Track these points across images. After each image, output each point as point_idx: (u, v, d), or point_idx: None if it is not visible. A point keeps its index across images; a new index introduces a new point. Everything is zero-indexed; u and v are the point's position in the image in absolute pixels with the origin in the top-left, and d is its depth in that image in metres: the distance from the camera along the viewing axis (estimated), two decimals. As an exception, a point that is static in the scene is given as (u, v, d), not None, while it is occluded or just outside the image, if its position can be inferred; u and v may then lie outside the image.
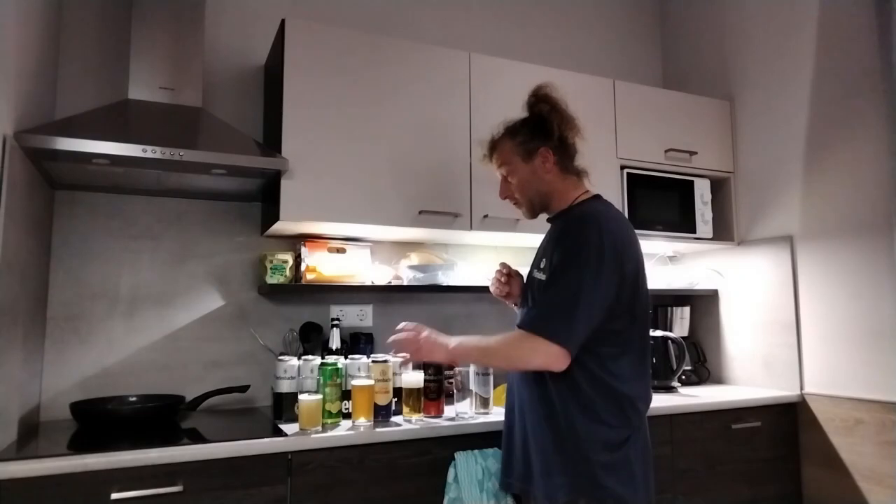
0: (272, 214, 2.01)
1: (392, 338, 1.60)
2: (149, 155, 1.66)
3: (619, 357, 1.40)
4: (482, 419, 1.88)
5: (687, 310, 2.84)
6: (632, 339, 1.43)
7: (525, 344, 1.36)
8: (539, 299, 1.43)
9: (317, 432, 1.69)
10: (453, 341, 1.51)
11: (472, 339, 1.50)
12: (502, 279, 1.75)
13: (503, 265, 1.78)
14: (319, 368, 1.81)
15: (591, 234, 1.38)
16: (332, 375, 1.79)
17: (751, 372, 2.62)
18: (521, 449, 1.50)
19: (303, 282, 2.11)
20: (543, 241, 1.60)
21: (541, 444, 1.43)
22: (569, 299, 1.34)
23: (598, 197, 1.56)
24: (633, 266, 1.43)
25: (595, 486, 1.34)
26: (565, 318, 1.33)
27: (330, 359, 1.87)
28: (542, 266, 1.48)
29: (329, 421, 1.77)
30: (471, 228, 2.20)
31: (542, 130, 1.53)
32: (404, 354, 1.61)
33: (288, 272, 2.14)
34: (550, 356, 1.33)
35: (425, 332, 1.57)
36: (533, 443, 1.45)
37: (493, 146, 1.62)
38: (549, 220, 1.61)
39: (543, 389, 1.43)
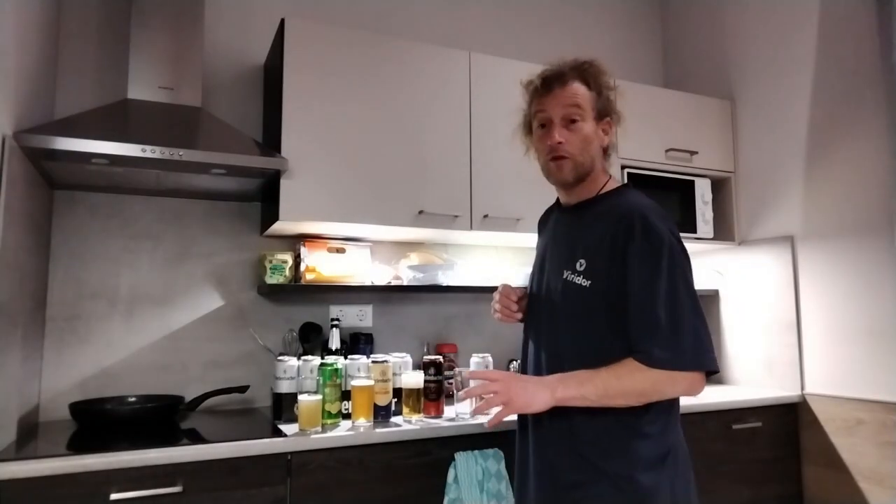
0: (272, 214, 2.01)
1: (468, 391, 1.32)
2: (148, 155, 1.66)
3: None
4: (482, 419, 1.88)
5: (687, 310, 2.83)
6: None
7: (661, 380, 1.17)
8: (646, 327, 1.19)
9: (316, 433, 1.68)
10: (558, 389, 1.21)
11: (581, 381, 1.21)
12: (513, 307, 1.47)
13: (510, 290, 1.49)
14: (319, 369, 1.81)
15: (670, 237, 1.23)
16: (331, 376, 1.78)
17: (751, 372, 2.62)
18: (535, 471, 1.32)
19: (302, 282, 2.11)
20: (562, 234, 1.40)
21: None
22: (694, 320, 1.19)
23: (626, 185, 1.40)
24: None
25: None
26: (706, 343, 1.19)
27: (329, 359, 1.87)
28: (579, 267, 1.28)
29: (329, 421, 1.76)
30: (471, 228, 2.19)
31: (609, 103, 1.39)
32: (492, 410, 1.26)
33: (287, 272, 2.14)
34: (696, 385, 1.20)
35: (512, 382, 1.24)
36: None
37: (567, 78, 1.34)
38: (564, 212, 1.43)
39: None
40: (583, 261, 1.28)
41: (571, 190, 1.38)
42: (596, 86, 1.37)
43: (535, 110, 1.38)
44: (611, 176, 1.41)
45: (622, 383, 1.19)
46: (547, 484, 1.30)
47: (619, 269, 1.22)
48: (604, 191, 1.36)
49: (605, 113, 1.37)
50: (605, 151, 1.39)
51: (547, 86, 1.35)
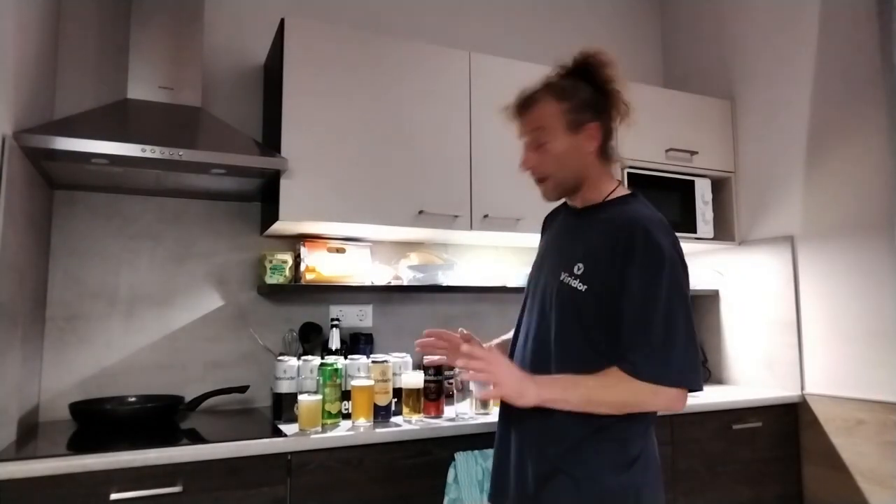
0: (272, 214, 2.01)
1: (464, 350, 1.24)
2: (148, 155, 1.66)
3: None
4: (482, 419, 1.88)
5: (687, 310, 2.83)
6: None
7: (644, 392, 1.16)
8: (635, 339, 1.18)
9: (316, 433, 1.68)
10: (545, 390, 1.20)
11: (566, 385, 1.21)
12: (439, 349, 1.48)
13: (440, 336, 1.48)
14: (319, 369, 1.81)
15: (671, 252, 1.20)
16: (331, 376, 1.78)
17: (751, 372, 2.62)
18: (515, 467, 1.32)
19: (302, 282, 2.11)
20: (565, 237, 1.38)
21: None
22: (687, 337, 1.18)
23: (634, 194, 1.36)
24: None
25: None
26: (692, 360, 1.18)
27: (329, 359, 1.87)
28: (577, 271, 1.26)
29: (328, 421, 1.76)
30: (471, 228, 2.19)
31: (598, 103, 1.31)
32: (479, 383, 1.28)
33: (287, 272, 2.14)
34: (678, 401, 1.18)
35: (504, 367, 1.22)
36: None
37: (530, 102, 1.34)
38: (570, 214, 1.41)
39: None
40: (581, 265, 1.27)
41: (575, 195, 1.37)
42: (562, 92, 1.32)
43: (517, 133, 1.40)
44: (619, 182, 1.38)
45: (606, 393, 1.19)
46: (520, 481, 1.31)
47: (615, 279, 1.21)
48: (610, 197, 1.34)
49: (585, 119, 1.31)
50: (602, 154, 1.34)
51: (514, 111, 1.37)
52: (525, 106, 1.35)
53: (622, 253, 1.21)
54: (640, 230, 1.21)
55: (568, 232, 1.38)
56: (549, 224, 1.54)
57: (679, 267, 1.22)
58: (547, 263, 1.39)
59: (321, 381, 1.79)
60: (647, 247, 1.20)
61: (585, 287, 1.24)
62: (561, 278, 1.29)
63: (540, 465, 1.27)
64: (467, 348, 1.22)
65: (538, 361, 1.31)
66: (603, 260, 1.23)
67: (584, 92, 1.31)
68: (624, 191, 1.36)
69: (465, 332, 1.50)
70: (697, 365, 1.20)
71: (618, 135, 1.37)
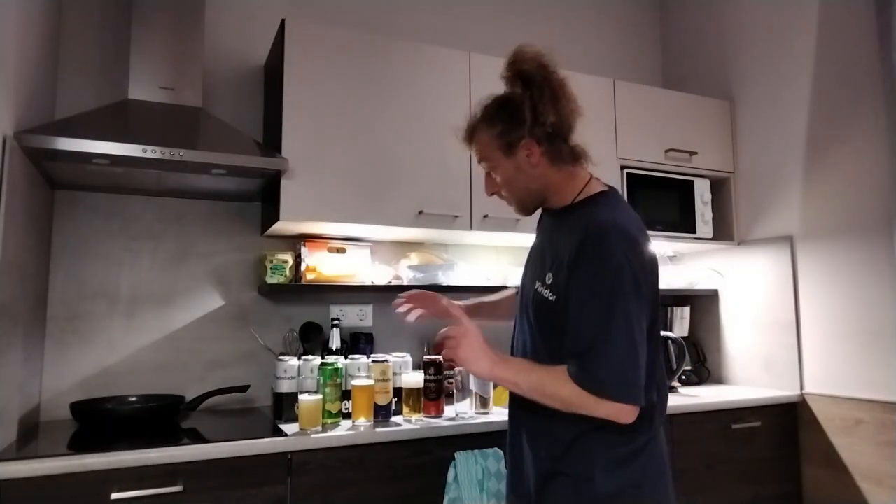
0: (272, 214, 2.01)
1: (441, 332, 1.32)
2: (149, 155, 1.66)
3: None
4: (482, 419, 1.88)
5: (687, 310, 2.84)
6: (651, 342, 1.24)
7: (586, 400, 1.15)
8: (581, 346, 1.17)
9: (317, 432, 1.69)
10: (497, 367, 1.26)
11: (520, 370, 1.26)
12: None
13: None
14: (319, 368, 1.81)
15: (617, 251, 1.17)
16: (331, 375, 1.79)
17: (751, 372, 2.62)
18: (519, 466, 1.33)
19: (303, 282, 2.11)
20: (543, 240, 1.38)
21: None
22: (626, 347, 1.14)
23: (604, 192, 1.32)
24: (657, 271, 1.28)
25: None
26: (633, 375, 1.14)
27: (330, 359, 1.87)
28: (547, 280, 1.26)
29: (329, 421, 1.77)
30: (471, 228, 2.20)
31: (519, 117, 1.26)
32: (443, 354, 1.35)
33: (288, 272, 2.14)
34: (619, 412, 1.15)
35: (470, 338, 1.28)
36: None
37: (471, 132, 1.37)
38: (548, 215, 1.40)
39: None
40: (550, 274, 1.27)
41: (546, 203, 1.37)
42: (489, 117, 1.32)
43: None
44: (590, 178, 1.34)
45: (556, 388, 1.18)
46: (523, 480, 1.32)
47: (570, 288, 1.20)
48: (580, 198, 1.31)
49: (517, 138, 1.27)
50: (554, 160, 1.29)
51: (464, 142, 1.40)
52: (469, 137, 1.38)
53: (574, 261, 1.20)
54: (591, 238, 1.19)
55: (545, 236, 1.38)
56: (539, 223, 1.52)
57: (629, 277, 1.16)
58: (529, 269, 1.40)
59: (321, 381, 1.79)
60: (593, 256, 1.18)
61: (555, 297, 1.24)
62: (536, 287, 1.30)
63: (538, 466, 1.27)
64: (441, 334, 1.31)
65: None
66: (564, 269, 1.23)
67: (511, 108, 1.28)
68: (597, 187, 1.33)
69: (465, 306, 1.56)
70: (633, 378, 1.15)
71: (577, 129, 1.31)
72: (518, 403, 1.35)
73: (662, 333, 2.51)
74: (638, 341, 1.16)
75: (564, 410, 1.19)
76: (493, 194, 1.39)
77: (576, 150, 1.31)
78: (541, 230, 1.43)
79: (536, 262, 1.36)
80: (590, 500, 1.20)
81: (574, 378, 1.16)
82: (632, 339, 1.15)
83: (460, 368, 2.03)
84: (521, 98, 1.27)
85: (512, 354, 1.42)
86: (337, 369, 1.81)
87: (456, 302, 1.59)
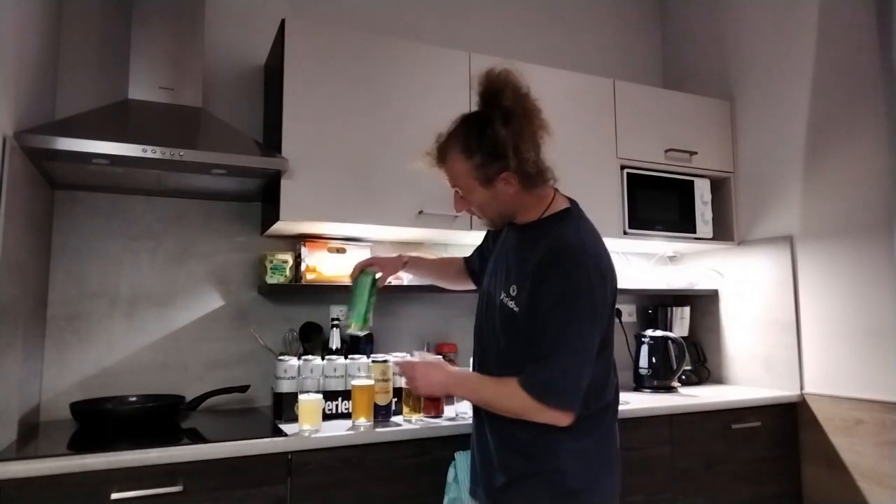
0: (272, 214, 2.01)
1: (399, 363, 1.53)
2: (149, 155, 1.66)
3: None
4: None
5: (687, 310, 2.84)
6: (603, 348, 1.34)
7: (530, 406, 1.25)
8: (534, 355, 1.27)
9: (317, 432, 1.69)
10: (451, 387, 1.45)
11: (471, 388, 1.40)
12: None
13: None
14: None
15: (580, 273, 1.25)
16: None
17: (751, 372, 2.62)
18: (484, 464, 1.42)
19: (303, 282, 2.11)
20: (508, 251, 1.43)
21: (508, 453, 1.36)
22: (573, 361, 1.25)
23: (568, 209, 1.38)
24: (614, 286, 1.35)
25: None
26: (572, 384, 1.25)
27: (332, 357, 1.87)
28: (512, 292, 1.34)
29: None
30: (471, 228, 2.20)
31: (500, 153, 1.28)
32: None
33: (288, 272, 2.14)
34: (558, 419, 1.25)
35: (419, 370, 1.47)
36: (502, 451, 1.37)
37: (443, 157, 1.38)
38: (513, 228, 1.44)
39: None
40: (515, 287, 1.34)
41: (515, 219, 1.42)
42: (467, 148, 1.32)
43: None
44: (555, 193, 1.40)
45: (501, 401, 1.31)
46: (485, 481, 1.41)
47: (534, 303, 1.28)
48: (546, 214, 1.37)
49: (496, 170, 1.29)
50: (530, 185, 1.33)
51: (434, 163, 1.41)
52: (440, 160, 1.39)
53: (538, 277, 1.28)
54: (556, 257, 1.27)
55: (511, 248, 1.43)
56: (501, 233, 1.55)
57: (586, 297, 1.25)
58: (493, 279, 1.46)
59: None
60: (556, 275, 1.26)
61: (519, 309, 1.32)
62: (501, 298, 1.37)
63: (506, 466, 1.35)
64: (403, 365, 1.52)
65: (482, 368, 1.45)
66: (528, 283, 1.30)
67: (488, 138, 1.28)
68: (560, 204, 1.39)
69: (405, 256, 1.78)
70: (571, 389, 1.25)
71: (547, 146, 1.34)
72: (479, 410, 1.44)
73: (662, 333, 2.54)
74: (585, 359, 1.26)
75: (513, 415, 1.30)
76: (461, 212, 1.47)
77: (546, 174, 1.34)
78: (505, 241, 1.48)
79: (501, 272, 1.42)
80: (562, 494, 1.28)
81: (521, 384, 1.26)
82: (578, 356, 1.25)
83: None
84: (501, 134, 1.27)
85: (477, 353, 1.51)
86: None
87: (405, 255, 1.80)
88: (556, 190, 1.41)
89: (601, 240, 1.38)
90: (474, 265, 1.77)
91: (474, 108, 2.34)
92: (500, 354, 1.38)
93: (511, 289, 1.35)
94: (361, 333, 1.67)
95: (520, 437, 1.32)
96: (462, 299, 2.55)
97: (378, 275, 1.71)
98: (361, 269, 1.69)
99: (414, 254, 1.81)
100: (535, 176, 1.32)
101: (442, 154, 1.38)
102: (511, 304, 1.34)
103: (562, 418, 1.25)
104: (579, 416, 1.27)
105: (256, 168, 1.84)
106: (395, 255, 1.82)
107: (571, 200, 1.43)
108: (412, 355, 1.84)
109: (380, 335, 2.35)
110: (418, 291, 2.33)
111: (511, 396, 1.27)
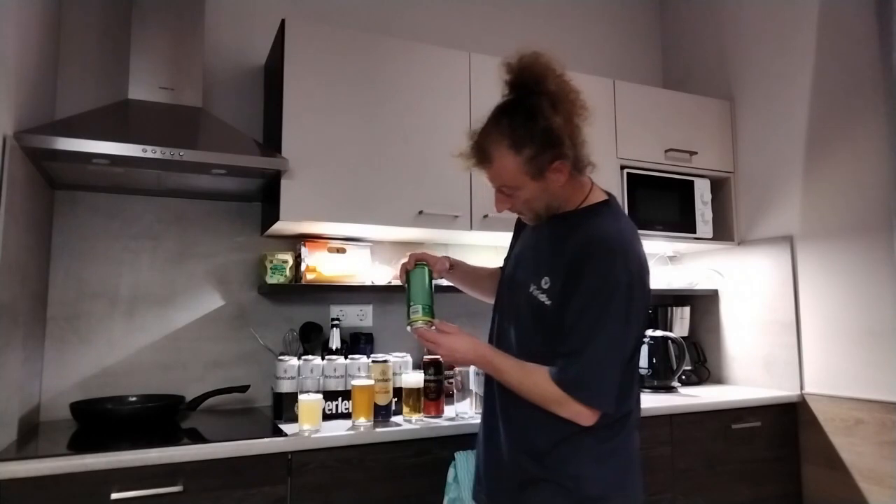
0: (272, 214, 2.01)
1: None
2: (149, 155, 1.66)
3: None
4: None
5: (687, 310, 2.84)
6: (632, 354, 1.29)
7: (555, 396, 1.21)
8: (565, 351, 1.22)
9: (317, 432, 1.69)
10: (479, 348, 1.31)
11: (498, 370, 1.29)
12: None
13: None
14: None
15: (620, 271, 1.20)
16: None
17: (751, 372, 2.62)
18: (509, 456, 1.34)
19: (303, 282, 2.11)
20: (539, 242, 1.37)
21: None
22: (607, 358, 1.20)
23: (607, 201, 1.34)
24: (649, 281, 1.29)
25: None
26: (603, 381, 1.20)
27: (333, 357, 1.87)
28: (544, 285, 1.28)
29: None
30: (471, 228, 2.20)
31: (554, 141, 1.21)
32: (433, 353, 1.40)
33: (288, 272, 2.14)
34: (582, 416, 1.21)
35: (451, 339, 1.32)
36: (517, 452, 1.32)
37: (486, 157, 1.28)
38: (552, 216, 1.35)
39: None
40: (547, 279, 1.28)
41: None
42: (516, 142, 1.23)
43: None
44: (591, 185, 1.35)
45: (525, 383, 1.25)
46: (491, 485, 1.36)
47: (567, 295, 1.23)
48: (584, 205, 1.32)
49: (548, 160, 1.23)
50: (577, 171, 1.29)
51: (473, 164, 1.31)
52: (482, 160, 1.29)
53: (575, 270, 1.23)
54: (595, 251, 1.23)
55: (542, 238, 1.37)
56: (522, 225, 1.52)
57: (624, 295, 1.20)
58: (521, 271, 1.40)
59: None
60: (595, 269, 1.21)
61: (550, 302, 1.27)
62: (530, 290, 1.31)
63: (519, 471, 1.30)
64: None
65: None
66: (562, 276, 1.25)
67: (538, 127, 1.21)
68: (598, 195, 1.35)
69: (451, 258, 1.60)
70: (607, 388, 1.20)
71: (584, 134, 1.28)
72: (494, 410, 1.38)
73: (662, 333, 2.54)
74: (618, 359, 1.22)
75: (533, 401, 1.25)
76: (503, 211, 1.36)
77: (587, 161, 1.29)
78: (535, 232, 1.41)
79: (530, 264, 1.37)
80: (579, 500, 1.24)
81: (551, 374, 1.22)
82: (613, 354, 1.21)
83: (460, 369, 2.03)
84: (555, 122, 1.20)
85: (492, 342, 1.44)
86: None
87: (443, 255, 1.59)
88: (592, 180, 1.36)
89: (635, 229, 1.33)
90: None
91: (475, 107, 2.36)
92: (522, 346, 1.32)
93: (543, 281, 1.29)
94: (428, 327, 1.39)
95: (537, 442, 1.27)
96: (462, 299, 2.55)
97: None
98: (417, 262, 1.49)
99: (456, 260, 1.65)
100: (583, 161, 1.28)
101: (484, 153, 1.28)
102: (542, 296, 1.28)
103: (586, 416, 1.20)
104: (600, 422, 1.22)
105: (256, 168, 1.84)
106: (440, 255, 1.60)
107: (610, 194, 1.37)
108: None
109: (380, 335, 2.36)
110: (418, 291, 2.33)
111: (536, 384, 1.23)
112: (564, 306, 1.24)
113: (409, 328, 1.40)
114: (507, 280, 1.45)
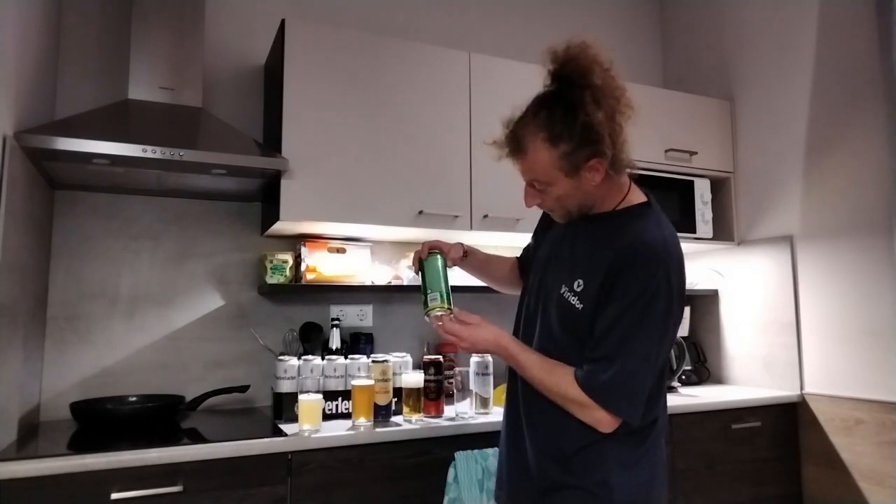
0: (272, 214, 2.01)
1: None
2: (149, 155, 1.66)
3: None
4: (482, 419, 1.88)
5: (687, 310, 2.84)
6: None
7: (578, 399, 1.18)
8: (595, 356, 1.19)
9: (317, 432, 1.69)
10: (502, 339, 1.28)
11: (521, 365, 1.26)
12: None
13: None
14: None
15: (661, 276, 1.16)
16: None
17: (751, 372, 2.62)
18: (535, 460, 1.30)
19: (303, 282, 2.11)
20: (574, 243, 1.31)
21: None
22: (640, 367, 1.16)
23: (647, 203, 1.29)
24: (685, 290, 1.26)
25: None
26: (632, 391, 1.17)
27: (334, 357, 1.87)
28: (577, 287, 1.24)
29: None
30: (471, 228, 2.20)
31: (593, 138, 1.15)
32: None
33: (288, 272, 2.14)
34: (603, 422, 1.18)
35: (472, 331, 1.28)
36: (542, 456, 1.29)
37: (521, 148, 1.23)
38: (582, 219, 1.31)
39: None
40: (581, 281, 1.24)
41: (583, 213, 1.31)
42: (553, 136, 1.17)
43: None
44: (630, 185, 1.29)
45: (548, 380, 1.23)
46: (513, 489, 1.33)
47: (603, 300, 1.19)
48: (622, 206, 1.27)
49: (585, 157, 1.17)
50: (615, 172, 1.22)
51: (507, 154, 1.27)
52: (516, 151, 1.25)
53: (615, 277, 1.18)
54: (637, 259, 1.18)
55: (577, 237, 1.31)
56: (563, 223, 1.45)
57: (662, 304, 1.16)
58: (552, 268, 1.35)
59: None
60: (635, 275, 1.17)
61: (582, 306, 1.23)
62: (561, 291, 1.27)
63: (543, 477, 1.27)
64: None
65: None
66: (598, 280, 1.21)
67: (578, 122, 1.15)
68: (637, 196, 1.29)
69: (465, 245, 1.55)
70: (636, 399, 1.17)
71: (626, 134, 1.22)
72: (518, 412, 1.34)
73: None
74: (650, 371, 1.18)
75: (552, 399, 1.23)
76: (532, 206, 1.32)
77: (627, 160, 1.23)
78: (566, 230, 1.35)
79: (564, 265, 1.31)
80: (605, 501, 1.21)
81: (579, 379, 1.19)
82: (646, 366, 1.17)
83: (460, 369, 2.03)
84: (597, 118, 1.14)
85: (517, 335, 1.40)
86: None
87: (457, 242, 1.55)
88: (631, 179, 1.30)
89: (675, 232, 1.26)
90: (526, 265, 1.59)
91: (475, 107, 2.36)
92: (544, 346, 1.29)
93: (576, 283, 1.24)
94: (447, 315, 1.33)
95: (563, 447, 1.24)
96: (462, 299, 2.55)
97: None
98: (430, 250, 1.46)
99: (469, 246, 1.60)
100: (623, 162, 1.21)
101: (518, 144, 1.23)
102: (574, 299, 1.23)
103: (608, 423, 1.17)
104: (624, 428, 1.19)
105: (256, 168, 1.84)
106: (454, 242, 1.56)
107: (648, 194, 1.31)
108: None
109: (380, 335, 2.36)
110: (418, 291, 2.32)
111: (558, 383, 1.20)
112: (598, 311, 1.20)
113: (427, 318, 1.35)
114: (537, 279, 1.39)
